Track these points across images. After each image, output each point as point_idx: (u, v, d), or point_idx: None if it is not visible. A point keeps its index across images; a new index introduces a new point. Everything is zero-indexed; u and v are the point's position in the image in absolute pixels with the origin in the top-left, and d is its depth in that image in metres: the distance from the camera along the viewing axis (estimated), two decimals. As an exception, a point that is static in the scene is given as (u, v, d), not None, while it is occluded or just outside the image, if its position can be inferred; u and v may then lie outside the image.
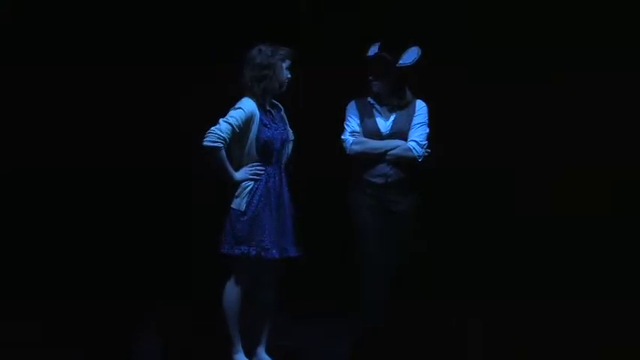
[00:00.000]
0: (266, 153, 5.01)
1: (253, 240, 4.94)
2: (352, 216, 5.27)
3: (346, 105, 5.40)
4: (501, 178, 6.35)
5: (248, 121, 4.95)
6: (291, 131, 5.18)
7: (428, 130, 5.31)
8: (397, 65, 5.22)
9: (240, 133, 4.95)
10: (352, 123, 5.31)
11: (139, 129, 6.30)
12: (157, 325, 6.02)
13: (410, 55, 5.24)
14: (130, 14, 6.25)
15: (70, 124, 6.26)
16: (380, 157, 5.24)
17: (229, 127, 4.91)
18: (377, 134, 5.28)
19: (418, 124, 5.30)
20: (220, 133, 4.89)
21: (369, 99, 5.33)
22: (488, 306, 6.11)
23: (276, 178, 5.05)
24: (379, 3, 6.28)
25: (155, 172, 6.28)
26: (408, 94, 5.34)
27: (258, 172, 5.00)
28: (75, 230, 6.26)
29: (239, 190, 4.99)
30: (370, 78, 5.29)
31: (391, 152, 5.24)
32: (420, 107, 5.34)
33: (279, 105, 5.16)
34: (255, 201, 4.98)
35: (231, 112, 4.95)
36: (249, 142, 4.98)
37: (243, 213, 4.97)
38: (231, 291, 5.03)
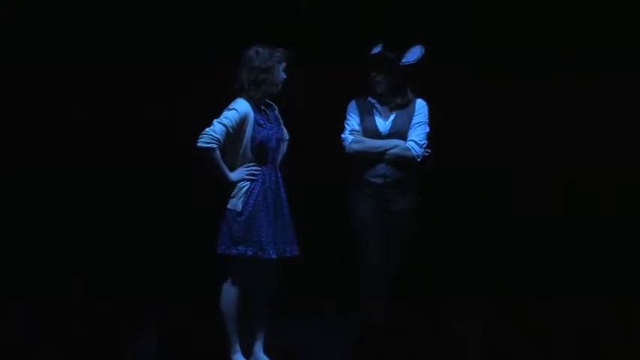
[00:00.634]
0: (261, 153, 5.01)
1: (250, 240, 4.94)
2: (351, 216, 5.27)
3: (346, 105, 5.40)
4: (501, 178, 6.34)
5: (242, 122, 4.96)
6: (285, 130, 5.18)
7: (428, 130, 5.30)
8: (400, 63, 5.22)
9: (234, 133, 4.95)
10: (352, 122, 5.31)
11: (140, 129, 6.29)
12: (157, 325, 6.02)
13: (413, 54, 5.24)
14: (129, 14, 6.24)
15: (70, 124, 6.25)
16: (379, 156, 5.24)
17: (223, 128, 4.92)
18: (376, 134, 5.27)
19: (418, 123, 5.29)
20: (214, 134, 4.90)
21: (370, 98, 5.33)
22: (488, 306, 6.11)
23: (272, 177, 5.05)
24: (379, 3, 6.28)
25: (155, 172, 6.27)
26: (409, 93, 5.33)
27: (254, 172, 5.01)
28: (75, 230, 6.25)
29: (235, 191, 4.99)
30: (373, 75, 5.28)
31: (390, 152, 5.24)
32: (421, 106, 5.33)
33: (273, 104, 5.16)
34: (251, 201, 4.98)
35: (225, 113, 4.96)
36: (244, 142, 4.99)
37: (240, 213, 4.97)
38: (229, 291, 5.03)
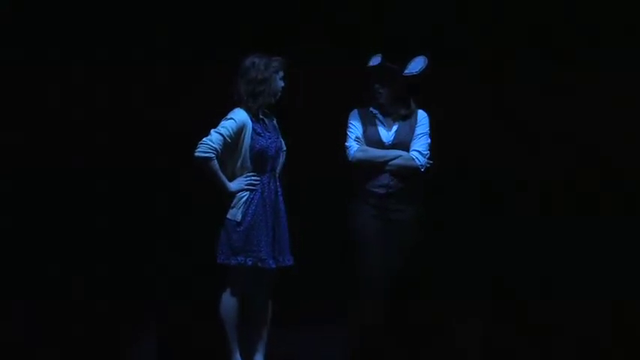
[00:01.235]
0: (260, 162, 5.01)
1: (250, 250, 4.96)
2: (353, 225, 5.25)
3: (346, 109, 5.38)
4: (501, 178, 6.34)
5: (240, 131, 4.96)
6: (283, 141, 5.17)
7: (429, 141, 5.30)
8: (404, 74, 5.21)
9: (232, 143, 4.96)
10: (355, 130, 5.29)
11: (140, 129, 6.29)
12: (157, 325, 6.02)
13: (417, 65, 5.23)
14: (129, 14, 6.24)
15: (70, 124, 6.25)
16: (382, 165, 5.23)
17: (220, 137, 4.92)
18: (379, 144, 5.26)
19: (420, 134, 5.30)
20: (211, 144, 4.90)
21: (372, 109, 5.32)
22: (488, 306, 6.11)
23: (272, 187, 5.06)
24: (379, 3, 6.28)
25: (156, 172, 6.27)
26: (412, 104, 5.33)
27: (254, 182, 5.01)
28: (75, 230, 6.25)
29: (235, 201, 5.00)
30: (376, 87, 5.26)
31: (394, 162, 5.23)
32: (422, 117, 5.33)
33: (272, 114, 5.15)
34: (250, 211, 4.99)
35: (223, 123, 4.97)
36: (242, 152, 4.99)
37: (239, 223, 4.98)
38: (228, 300, 5.04)
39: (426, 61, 5.23)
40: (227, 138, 4.94)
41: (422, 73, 5.23)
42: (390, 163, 5.23)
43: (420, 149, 5.27)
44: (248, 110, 5.00)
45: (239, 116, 4.98)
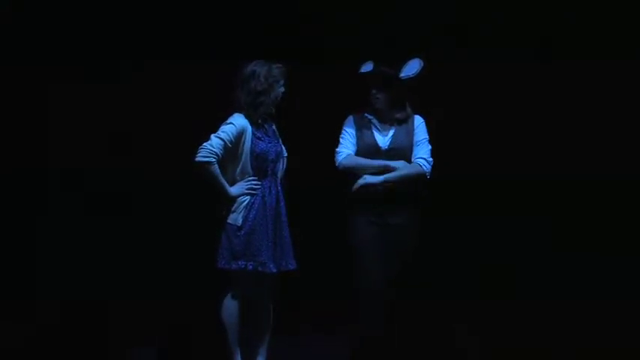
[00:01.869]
0: (261, 166, 5.01)
1: (250, 254, 4.94)
2: (351, 231, 5.24)
3: (344, 110, 5.37)
4: (499, 178, 6.35)
5: (240, 136, 4.96)
6: (283, 147, 5.17)
7: (430, 147, 5.30)
8: (401, 78, 5.20)
9: (232, 147, 4.95)
10: (347, 137, 5.25)
11: (140, 129, 6.29)
12: (158, 328, 6.03)
13: (412, 67, 5.22)
14: (129, 14, 6.23)
15: (70, 124, 6.25)
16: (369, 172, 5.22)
17: (221, 142, 4.92)
18: (376, 149, 5.24)
19: (421, 140, 5.28)
20: (212, 148, 4.90)
21: (367, 114, 5.30)
22: (488, 306, 6.12)
23: (272, 191, 5.05)
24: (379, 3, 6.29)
25: (157, 172, 6.27)
26: (408, 107, 5.32)
27: (254, 186, 5.00)
28: (76, 230, 6.25)
29: (235, 205, 4.99)
30: (373, 92, 5.25)
31: (400, 174, 5.19)
32: (419, 123, 5.31)
33: (271, 119, 5.15)
34: (251, 216, 4.98)
35: (223, 128, 4.96)
36: (243, 156, 4.99)
37: (240, 228, 4.97)
38: (229, 305, 5.03)
39: (422, 63, 5.22)
40: (227, 143, 4.93)
41: (418, 76, 5.22)
42: (388, 177, 5.19)
43: (424, 156, 5.25)
44: (248, 117, 5.00)
45: (239, 121, 4.98)
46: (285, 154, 5.17)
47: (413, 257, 5.24)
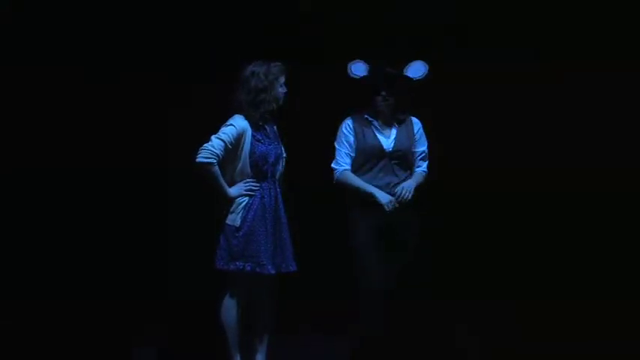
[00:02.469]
0: (260, 168, 5.01)
1: (248, 255, 4.95)
2: (352, 232, 5.24)
3: (344, 110, 5.37)
4: (499, 177, 6.35)
5: (240, 137, 4.97)
6: (282, 148, 5.18)
7: (427, 142, 5.35)
8: (413, 80, 5.22)
9: (232, 149, 4.96)
10: (345, 147, 5.25)
11: (141, 129, 6.28)
12: (157, 326, 6.02)
13: (418, 70, 5.24)
14: (129, 14, 6.23)
15: (70, 124, 6.25)
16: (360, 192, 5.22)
17: (221, 143, 4.93)
18: (380, 150, 5.24)
19: (423, 144, 5.33)
20: (213, 149, 4.91)
21: (366, 116, 5.30)
22: (487, 313, 6.11)
23: (272, 193, 5.05)
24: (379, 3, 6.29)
25: (158, 172, 6.27)
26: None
27: (253, 187, 5.01)
28: (76, 230, 6.25)
29: (234, 206, 5.00)
30: (383, 94, 5.24)
31: (413, 185, 5.20)
32: (419, 127, 5.35)
33: (273, 120, 5.15)
34: (250, 217, 4.98)
35: (223, 129, 4.97)
36: (242, 158, 4.99)
37: (238, 229, 4.97)
38: (228, 306, 5.03)
39: (427, 66, 5.25)
40: (228, 144, 4.94)
41: (424, 78, 5.25)
42: (387, 203, 5.18)
43: (426, 168, 5.33)
44: (248, 118, 5.01)
45: (238, 122, 4.99)
46: (284, 156, 5.18)
47: (414, 257, 5.25)
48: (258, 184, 5.02)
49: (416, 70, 5.24)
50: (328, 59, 6.14)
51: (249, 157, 5.00)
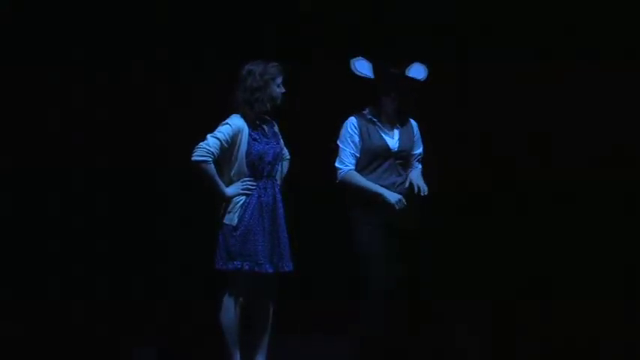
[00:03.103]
0: (257, 168, 5.01)
1: (246, 255, 4.94)
2: (354, 233, 5.24)
3: (344, 110, 5.37)
4: (499, 177, 6.35)
5: (236, 137, 4.97)
6: (286, 150, 5.18)
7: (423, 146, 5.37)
8: (419, 82, 5.23)
9: (228, 148, 4.97)
10: (350, 147, 5.23)
11: (141, 129, 6.28)
12: (157, 326, 6.03)
13: (419, 71, 5.24)
14: (129, 14, 6.23)
15: (70, 124, 6.24)
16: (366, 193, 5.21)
17: (217, 141, 4.93)
18: (386, 150, 5.22)
19: (419, 146, 5.35)
20: (208, 148, 4.91)
21: (370, 116, 5.30)
22: (487, 313, 6.11)
23: (269, 192, 5.05)
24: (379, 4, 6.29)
25: (159, 172, 6.26)
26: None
27: (250, 186, 5.01)
28: (76, 230, 6.24)
29: (231, 206, 5.00)
30: (393, 96, 5.24)
31: (401, 200, 5.20)
32: (416, 128, 5.37)
33: (272, 120, 5.15)
34: (247, 216, 4.98)
35: (219, 128, 4.98)
36: (238, 157, 4.99)
37: (236, 228, 4.97)
38: (228, 306, 5.02)
39: (426, 67, 5.26)
40: (224, 142, 4.95)
41: (427, 80, 5.27)
42: (396, 202, 5.19)
43: (420, 156, 5.34)
44: (245, 117, 5.01)
45: (235, 122, 4.99)
46: (288, 157, 5.18)
47: (416, 256, 5.26)
48: (255, 183, 5.02)
49: (417, 71, 5.24)
50: (328, 59, 6.14)
51: (246, 157, 5.00)
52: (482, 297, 6.20)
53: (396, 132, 5.30)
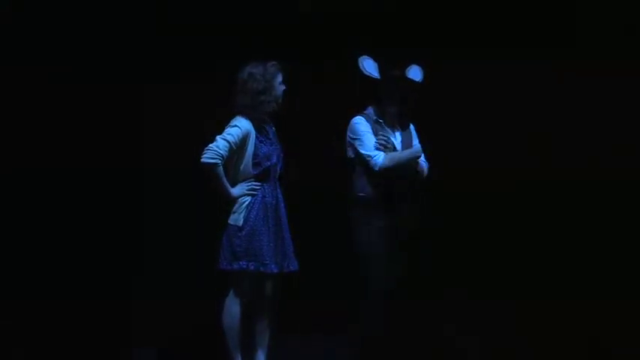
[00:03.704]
0: (263, 169, 5.03)
1: (251, 255, 4.96)
2: (355, 233, 5.24)
3: (344, 110, 5.37)
4: (500, 178, 6.35)
5: (244, 139, 4.98)
6: (281, 148, 5.18)
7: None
8: (421, 82, 5.24)
9: (236, 150, 4.98)
10: (370, 137, 5.23)
11: (142, 128, 6.28)
12: (157, 325, 6.03)
13: (416, 73, 5.26)
14: (129, 13, 6.23)
15: (70, 123, 6.25)
16: (406, 168, 5.21)
17: (227, 144, 4.94)
18: (392, 150, 5.24)
19: (418, 144, 5.34)
20: (218, 150, 4.92)
21: (375, 117, 5.30)
22: (487, 313, 6.12)
23: (273, 193, 5.06)
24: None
25: (159, 172, 6.27)
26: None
27: (255, 187, 5.01)
28: (77, 230, 6.25)
29: (236, 206, 5.01)
30: (396, 96, 5.25)
31: (421, 166, 5.25)
32: (413, 128, 5.39)
33: (271, 122, 5.16)
34: (252, 216, 4.99)
35: (228, 130, 4.99)
36: (245, 159, 5.01)
37: (241, 228, 4.98)
38: (231, 306, 5.03)
39: (422, 70, 5.28)
40: (233, 145, 4.96)
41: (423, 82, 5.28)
42: (421, 167, 5.24)
43: (423, 159, 5.33)
44: (250, 120, 5.01)
45: (243, 124, 5.00)
46: (282, 155, 5.19)
47: (416, 256, 5.27)
48: (259, 184, 5.03)
49: (415, 73, 5.26)
50: (328, 59, 6.15)
51: (253, 158, 5.01)
52: (482, 297, 6.20)
53: (398, 134, 5.32)
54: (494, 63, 6.24)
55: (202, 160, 4.92)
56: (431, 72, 5.30)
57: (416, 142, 5.35)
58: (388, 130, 5.29)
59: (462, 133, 6.34)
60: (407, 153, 5.24)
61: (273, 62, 5.06)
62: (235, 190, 5.02)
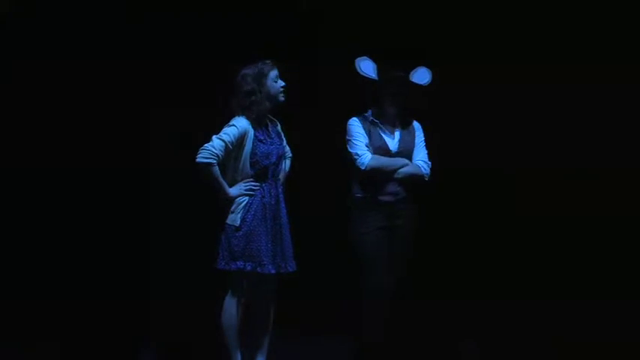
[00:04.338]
0: (261, 168, 5.02)
1: (249, 255, 4.95)
2: (354, 233, 5.24)
3: (344, 110, 5.38)
4: (502, 177, 6.36)
5: (241, 138, 4.98)
6: (288, 148, 5.19)
7: (427, 151, 5.36)
8: (424, 85, 5.25)
9: (233, 149, 4.98)
10: (363, 138, 5.26)
11: (142, 128, 6.28)
12: (157, 325, 6.03)
13: (424, 76, 5.26)
14: (130, 10, 6.23)
15: (70, 123, 6.24)
16: (391, 173, 5.22)
17: (222, 143, 4.94)
18: (386, 152, 5.25)
19: (420, 143, 5.34)
20: (213, 150, 4.92)
21: (372, 117, 5.31)
22: (487, 313, 6.12)
23: (272, 193, 5.06)
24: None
25: (160, 172, 6.27)
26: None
27: (253, 187, 5.01)
28: (77, 230, 6.25)
29: (234, 206, 5.01)
30: (395, 98, 5.25)
31: (404, 170, 5.24)
32: (419, 127, 5.39)
33: (275, 120, 5.16)
34: (249, 216, 4.99)
35: (225, 129, 4.99)
36: (243, 158, 5.00)
37: (238, 228, 4.98)
38: (229, 306, 5.03)
39: (430, 72, 5.28)
40: (228, 144, 4.95)
41: (430, 85, 5.29)
42: (400, 171, 5.24)
43: (424, 159, 5.32)
44: (249, 119, 5.02)
45: (240, 123, 5.00)
46: (290, 155, 5.19)
47: (412, 250, 5.27)
48: (258, 184, 5.03)
49: (422, 75, 5.27)
50: (328, 59, 6.15)
51: (251, 157, 5.01)
52: (482, 297, 6.21)
53: (397, 133, 5.32)
54: (494, 63, 6.25)
55: (197, 159, 4.93)
56: (434, 75, 5.32)
57: (418, 140, 5.35)
58: (385, 129, 5.29)
59: (461, 133, 6.34)
60: (393, 161, 5.24)
61: (267, 61, 5.06)
62: (233, 190, 5.01)
